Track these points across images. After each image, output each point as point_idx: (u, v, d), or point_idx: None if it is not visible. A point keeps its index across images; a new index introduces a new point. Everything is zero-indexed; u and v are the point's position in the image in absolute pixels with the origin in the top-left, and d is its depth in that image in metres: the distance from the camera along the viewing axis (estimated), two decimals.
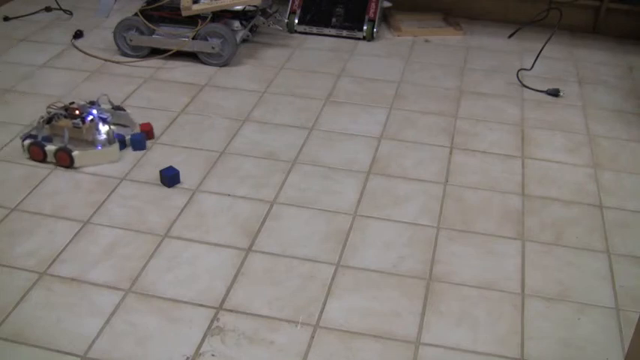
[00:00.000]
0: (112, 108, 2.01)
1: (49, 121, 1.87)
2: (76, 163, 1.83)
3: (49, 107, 1.90)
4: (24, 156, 1.87)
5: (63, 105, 1.90)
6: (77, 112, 1.87)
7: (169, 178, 1.78)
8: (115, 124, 1.95)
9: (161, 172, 1.79)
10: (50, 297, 1.43)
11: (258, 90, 2.28)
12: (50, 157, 1.84)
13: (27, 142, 1.85)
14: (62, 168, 1.83)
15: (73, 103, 1.92)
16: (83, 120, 1.84)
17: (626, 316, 1.44)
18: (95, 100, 1.99)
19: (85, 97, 2.19)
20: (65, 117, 1.87)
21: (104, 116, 1.89)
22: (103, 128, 1.88)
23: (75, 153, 1.82)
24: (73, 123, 1.85)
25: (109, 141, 1.88)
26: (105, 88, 2.24)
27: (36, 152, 1.84)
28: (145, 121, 1.99)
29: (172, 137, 1.99)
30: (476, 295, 1.48)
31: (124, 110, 2.02)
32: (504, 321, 1.42)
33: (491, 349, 1.35)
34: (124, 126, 2.00)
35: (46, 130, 1.87)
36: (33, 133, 1.88)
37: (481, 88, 2.36)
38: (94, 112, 1.88)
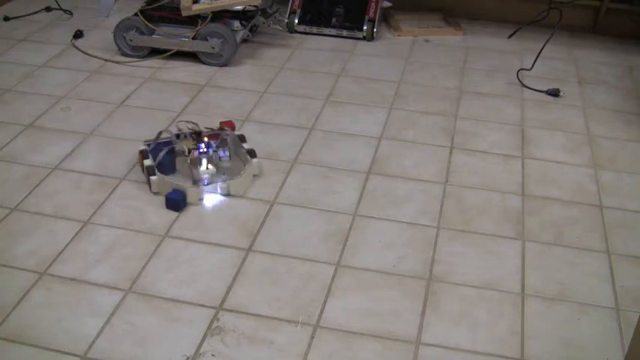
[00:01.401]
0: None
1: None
2: (153, 189, 1.73)
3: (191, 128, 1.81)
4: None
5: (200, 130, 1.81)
6: (206, 138, 1.77)
7: (174, 202, 1.68)
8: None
9: (167, 196, 1.69)
10: (50, 297, 1.43)
11: (258, 90, 2.28)
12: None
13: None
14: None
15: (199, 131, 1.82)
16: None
17: (626, 316, 1.44)
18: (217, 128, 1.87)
19: (86, 96, 2.19)
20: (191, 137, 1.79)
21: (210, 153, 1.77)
22: (204, 165, 1.77)
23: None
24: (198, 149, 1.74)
25: (193, 181, 1.74)
26: (105, 88, 2.24)
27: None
28: (227, 120, 1.94)
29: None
30: (476, 295, 1.48)
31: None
32: (504, 321, 1.42)
33: (491, 349, 1.35)
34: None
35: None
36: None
37: (481, 88, 2.36)
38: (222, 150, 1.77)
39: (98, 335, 1.34)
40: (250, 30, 2.50)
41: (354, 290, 1.48)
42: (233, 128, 1.96)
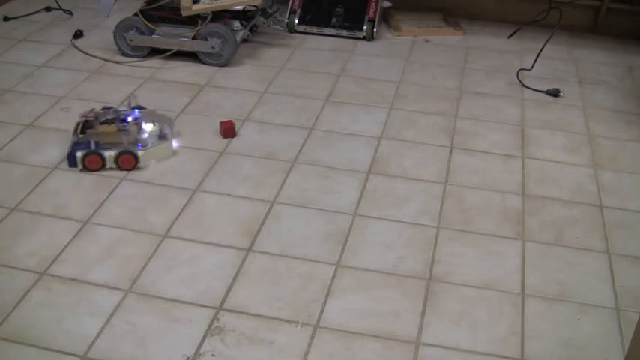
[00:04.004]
0: (133, 108, 1.97)
1: (83, 129, 1.83)
2: (141, 164, 1.83)
3: (83, 116, 1.87)
4: (77, 169, 1.82)
5: (92, 112, 1.88)
6: (110, 116, 1.85)
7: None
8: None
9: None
10: (50, 297, 1.43)
11: (258, 90, 2.28)
12: (110, 163, 1.82)
13: (80, 153, 1.80)
14: (124, 171, 1.82)
15: (92, 109, 1.90)
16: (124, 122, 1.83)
17: (626, 316, 1.44)
18: (108, 105, 1.96)
19: (86, 96, 2.19)
20: (102, 123, 1.84)
21: (134, 116, 1.88)
22: (147, 127, 1.88)
23: (140, 153, 1.81)
24: (121, 126, 1.82)
25: (160, 137, 1.89)
26: (105, 88, 2.24)
27: (94, 161, 1.80)
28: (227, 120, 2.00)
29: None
30: (476, 295, 1.48)
31: (145, 108, 1.98)
32: (504, 321, 1.42)
33: (491, 349, 1.35)
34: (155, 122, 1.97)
35: (85, 138, 1.83)
36: (77, 143, 1.83)
37: (481, 88, 2.36)
38: (135, 113, 1.87)
39: (98, 335, 1.34)
40: (250, 30, 2.50)
41: (354, 290, 1.48)
42: (233, 128, 1.98)
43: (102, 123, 1.85)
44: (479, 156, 1.97)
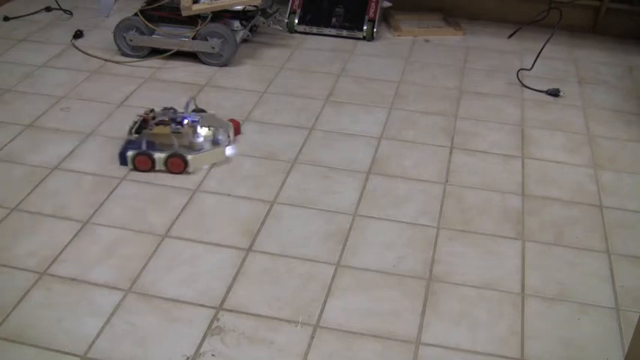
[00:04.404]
0: (195, 110, 1.97)
1: (139, 129, 1.84)
2: (190, 168, 1.81)
3: (141, 115, 1.88)
4: (128, 168, 1.82)
5: (148, 112, 1.89)
6: (166, 118, 1.86)
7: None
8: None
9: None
10: (50, 297, 1.43)
11: (258, 90, 2.28)
12: (159, 165, 1.81)
13: (131, 153, 1.80)
14: (173, 174, 1.81)
15: (152, 109, 1.91)
16: (181, 124, 1.83)
17: (626, 316, 1.44)
18: (169, 106, 1.96)
19: (86, 96, 2.19)
20: (157, 124, 1.84)
21: (196, 119, 1.88)
22: (202, 131, 1.88)
23: (190, 157, 1.80)
24: (174, 128, 1.82)
25: (213, 142, 1.88)
26: (105, 88, 2.25)
27: (144, 162, 1.80)
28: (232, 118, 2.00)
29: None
30: (476, 295, 1.48)
31: (205, 111, 1.97)
32: (504, 321, 1.42)
33: (491, 349, 1.35)
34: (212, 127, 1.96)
35: (139, 138, 1.83)
36: (130, 142, 1.83)
37: (481, 88, 2.36)
38: (189, 115, 1.87)
39: (98, 335, 1.34)
40: (250, 30, 2.50)
41: (354, 290, 1.48)
42: (238, 127, 1.98)
43: (157, 124, 1.84)
44: (479, 156, 1.97)
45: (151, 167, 1.81)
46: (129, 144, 1.84)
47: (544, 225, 1.70)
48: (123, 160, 1.83)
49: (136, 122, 1.88)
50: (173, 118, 1.87)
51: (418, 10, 2.91)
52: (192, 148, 1.84)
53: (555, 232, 1.68)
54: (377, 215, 1.71)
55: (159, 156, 1.80)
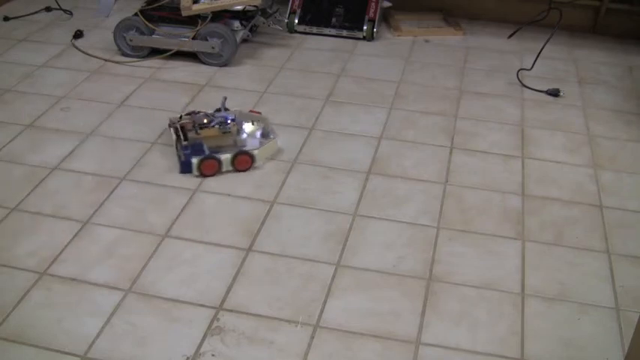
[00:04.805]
0: (220, 110, 1.98)
1: (185, 135, 1.83)
2: (257, 162, 1.84)
3: (174, 122, 1.89)
4: (193, 174, 1.81)
5: (181, 118, 1.89)
6: (205, 120, 1.87)
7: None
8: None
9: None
10: (50, 297, 1.43)
11: (258, 90, 2.28)
12: (226, 166, 1.82)
13: (195, 159, 1.78)
14: (239, 172, 1.83)
15: (181, 116, 1.92)
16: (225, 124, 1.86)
17: (626, 316, 1.44)
18: (194, 110, 1.97)
19: (86, 96, 2.19)
20: (201, 127, 1.85)
21: (232, 117, 1.90)
22: (247, 127, 1.91)
23: (256, 152, 1.83)
24: (225, 128, 1.84)
25: (263, 135, 1.91)
26: (105, 88, 2.25)
27: (211, 166, 1.79)
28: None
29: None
30: (476, 295, 1.48)
31: (229, 110, 1.97)
32: (504, 321, 1.42)
33: (491, 349, 1.35)
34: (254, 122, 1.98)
35: (190, 144, 1.83)
36: (188, 148, 1.81)
37: (481, 88, 2.36)
38: (230, 115, 1.90)
39: (98, 335, 1.34)
40: (250, 30, 2.50)
41: (354, 290, 1.48)
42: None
43: (201, 127, 1.85)
44: (479, 156, 1.97)
45: (218, 169, 1.81)
46: (186, 150, 1.81)
47: (544, 225, 1.70)
48: (186, 167, 1.80)
49: (177, 129, 1.86)
50: (212, 120, 1.87)
51: (418, 10, 2.91)
52: (237, 145, 1.86)
53: (555, 232, 1.68)
54: (377, 215, 1.71)
55: (225, 157, 1.80)
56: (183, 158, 1.80)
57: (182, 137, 1.83)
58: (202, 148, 1.81)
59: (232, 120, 1.88)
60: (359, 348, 1.34)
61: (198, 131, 1.85)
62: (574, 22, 2.80)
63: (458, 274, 1.53)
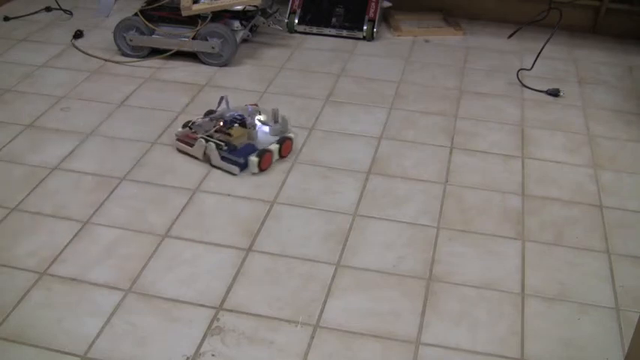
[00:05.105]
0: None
1: (224, 140, 1.85)
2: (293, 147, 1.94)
3: (191, 125, 1.90)
4: (251, 170, 1.82)
5: (194, 124, 1.91)
6: (221, 122, 1.89)
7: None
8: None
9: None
10: (50, 297, 1.43)
11: (258, 90, 2.28)
12: (275, 156, 1.88)
13: (254, 157, 1.81)
14: (282, 158, 1.89)
15: (187, 124, 1.93)
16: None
17: (626, 316, 1.44)
18: (210, 110, 2.00)
19: (86, 96, 2.20)
20: (229, 127, 1.88)
21: (239, 113, 1.94)
22: (260, 118, 1.98)
23: (291, 134, 1.92)
24: (251, 124, 1.89)
25: (275, 122, 1.95)
26: (105, 88, 2.25)
27: (268, 158, 1.84)
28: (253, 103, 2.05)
29: (173, 138, 1.99)
30: (476, 295, 1.48)
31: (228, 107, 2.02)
32: (504, 321, 1.42)
33: (491, 349, 1.35)
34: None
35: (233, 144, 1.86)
36: (233, 151, 1.84)
37: (481, 88, 2.36)
38: (237, 112, 1.94)
39: (98, 335, 1.34)
40: (250, 30, 2.50)
41: (354, 290, 1.48)
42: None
43: (228, 128, 1.88)
44: (479, 156, 1.97)
45: (271, 162, 1.87)
46: (235, 152, 1.83)
47: (544, 225, 1.70)
48: (244, 165, 1.83)
49: (216, 132, 1.87)
50: (230, 119, 1.90)
51: (418, 10, 2.91)
52: (253, 139, 1.90)
53: (555, 232, 1.68)
54: (377, 215, 1.71)
55: (275, 147, 1.86)
56: (239, 160, 1.82)
57: (223, 143, 1.84)
58: (251, 146, 1.87)
59: (244, 116, 1.92)
60: (359, 348, 1.34)
61: (229, 132, 1.87)
62: (574, 22, 2.80)
63: (458, 274, 1.53)
